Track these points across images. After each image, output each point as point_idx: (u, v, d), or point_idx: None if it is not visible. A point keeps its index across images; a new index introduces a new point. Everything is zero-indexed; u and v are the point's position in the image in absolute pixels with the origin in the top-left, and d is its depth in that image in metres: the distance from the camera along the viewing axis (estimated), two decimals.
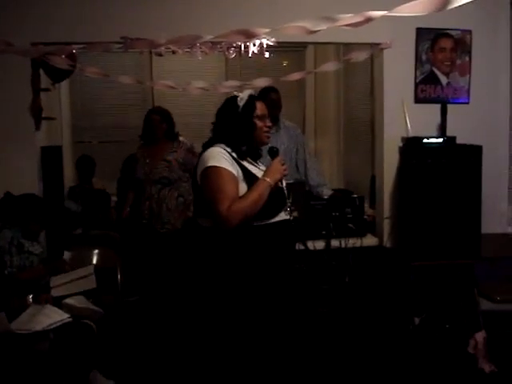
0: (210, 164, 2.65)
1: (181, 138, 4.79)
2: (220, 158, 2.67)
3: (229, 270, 2.66)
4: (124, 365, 3.80)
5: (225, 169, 2.63)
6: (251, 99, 2.82)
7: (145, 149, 4.86)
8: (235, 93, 2.90)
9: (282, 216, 2.76)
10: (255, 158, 2.89)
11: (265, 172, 2.75)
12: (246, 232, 2.64)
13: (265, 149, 2.95)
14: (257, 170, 2.79)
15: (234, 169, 2.67)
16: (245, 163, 2.75)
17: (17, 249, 3.70)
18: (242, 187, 2.67)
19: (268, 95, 4.57)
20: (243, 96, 2.82)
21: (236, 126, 2.77)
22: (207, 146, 2.80)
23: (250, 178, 2.70)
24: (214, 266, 2.71)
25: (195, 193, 2.87)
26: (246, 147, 2.79)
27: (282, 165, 2.81)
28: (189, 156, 4.65)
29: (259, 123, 2.82)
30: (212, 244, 2.73)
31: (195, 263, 2.88)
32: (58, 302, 3.57)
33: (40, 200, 3.96)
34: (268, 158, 2.90)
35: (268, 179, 2.69)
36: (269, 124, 2.88)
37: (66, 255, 4.03)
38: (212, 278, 2.73)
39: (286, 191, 2.79)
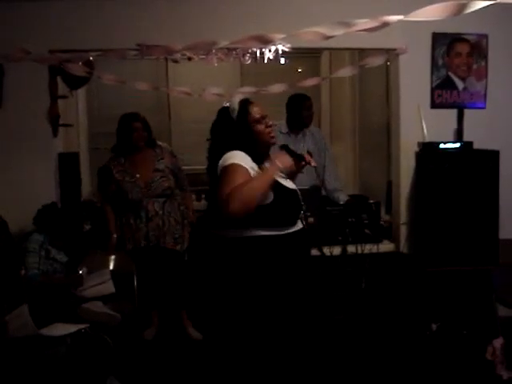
0: (227, 163, 2.58)
1: (159, 143, 4.40)
2: (239, 157, 2.60)
3: (245, 280, 2.64)
4: (141, 371, 3.81)
5: (239, 164, 2.55)
6: (243, 106, 2.75)
7: (123, 164, 4.27)
8: (225, 103, 2.82)
9: (300, 225, 2.74)
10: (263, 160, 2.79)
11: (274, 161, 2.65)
12: (265, 242, 2.62)
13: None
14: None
15: (250, 167, 2.59)
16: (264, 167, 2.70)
17: (45, 253, 3.76)
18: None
19: (304, 103, 4.60)
20: (234, 106, 2.75)
21: (236, 137, 2.69)
22: (212, 162, 2.72)
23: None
24: (231, 276, 2.69)
25: (214, 202, 2.72)
26: (255, 153, 2.70)
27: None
28: (174, 160, 4.36)
29: (259, 127, 2.73)
30: (228, 254, 2.70)
31: (214, 273, 2.87)
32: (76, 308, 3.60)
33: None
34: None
35: (278, 163, 2.59)
36: (270, 123, 2.77)
37: (83, 271, 4.00)
38: (229, 288, 2.71)
39: (300, 196, 2.77)
